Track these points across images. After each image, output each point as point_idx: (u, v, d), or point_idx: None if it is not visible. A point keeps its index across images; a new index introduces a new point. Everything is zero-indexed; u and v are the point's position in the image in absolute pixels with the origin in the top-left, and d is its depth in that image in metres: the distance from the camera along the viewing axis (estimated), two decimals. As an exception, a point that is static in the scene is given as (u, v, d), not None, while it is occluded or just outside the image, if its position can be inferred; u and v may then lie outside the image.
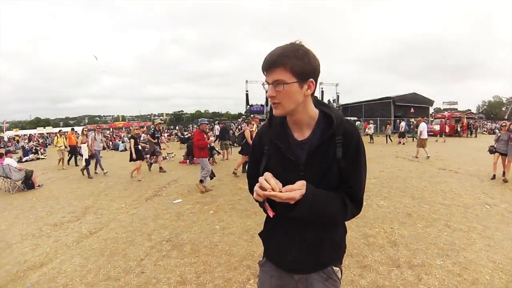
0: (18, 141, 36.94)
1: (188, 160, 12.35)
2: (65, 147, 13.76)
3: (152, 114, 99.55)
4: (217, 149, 12.93)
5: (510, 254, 3.71)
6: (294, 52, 1.14)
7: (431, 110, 44.38)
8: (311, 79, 1.17)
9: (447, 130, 27.07)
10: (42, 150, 21.54)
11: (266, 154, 1.37)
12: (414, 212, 5.36)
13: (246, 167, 8.92)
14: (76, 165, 13.86)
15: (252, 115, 10.39)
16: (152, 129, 11.62)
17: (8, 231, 5.31)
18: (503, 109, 76.42)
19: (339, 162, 1.22)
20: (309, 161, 1.24)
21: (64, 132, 14.77)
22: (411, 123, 25.66)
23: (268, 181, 1.11)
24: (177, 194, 7.05)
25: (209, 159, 11.98)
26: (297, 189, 1.10)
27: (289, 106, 1.19)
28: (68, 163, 14.14)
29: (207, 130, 9.22)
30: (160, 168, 10.82)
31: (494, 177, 8.07)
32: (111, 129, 57.78)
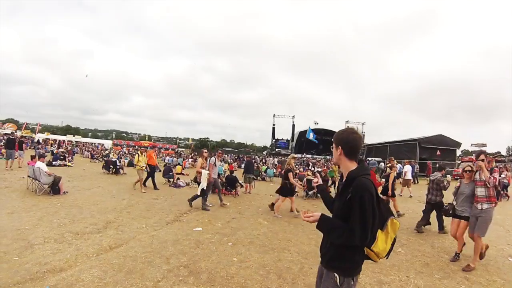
0: (51, 145, 38.39)
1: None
2: (145, 166, 11.80)
3: (178, 137, 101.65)
4: (240, 181, 12.94)
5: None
6: (339, 131, 2.11)
7: (458, 152, 42.93)
8: (339, 146, 2.03)
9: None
10: (70, 158, 22.24)
11: None
12: (433, 261, 5.19)
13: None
14: (155, 188, 12.01)
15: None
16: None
17: (31, 232, 5.45)
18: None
19: (348, 203, 1.87)
20: (339, 196, 2.05)
21: (145, 148, 12.99)
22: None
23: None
24: (197, 222, 7.03)
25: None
26: (311, 216, 1.99)
27: (334, 159, 2.12)
28: (145, 184, 12.02)
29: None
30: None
31: (457, 257, 5.31)
32: (136, 147, 59.38)
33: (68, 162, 20.79)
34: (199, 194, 8.62)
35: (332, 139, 2.10)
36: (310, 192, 12.47)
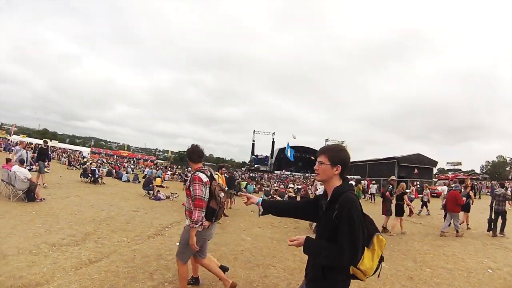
0: (32, 149, 36.94)
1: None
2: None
3: (157, 149, 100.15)
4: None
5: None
6: (333, 148, 2.04)
7: (434, 170, 44.17)
8: (338, 165, 1.94)
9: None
10: (46, 163, 21.44)
11: None
12: (416, 275, 5.26)
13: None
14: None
15: None
16: (390, 186, 10.31)
17: (4, 241, 5.15)
18: (507, 168, 76.07)
19: (334, 220, 1.79)
20: (323, 215, 1.97)
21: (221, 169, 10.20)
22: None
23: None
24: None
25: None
26: (296, 240, 1.91)
27: (322, 177, 1.99)
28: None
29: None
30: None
31: (191, 281, 4.30)
32: (115, 156, 58.20)
33: (44, 168, 20.03)
34: None
35: (325, 156, 1.97)
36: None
